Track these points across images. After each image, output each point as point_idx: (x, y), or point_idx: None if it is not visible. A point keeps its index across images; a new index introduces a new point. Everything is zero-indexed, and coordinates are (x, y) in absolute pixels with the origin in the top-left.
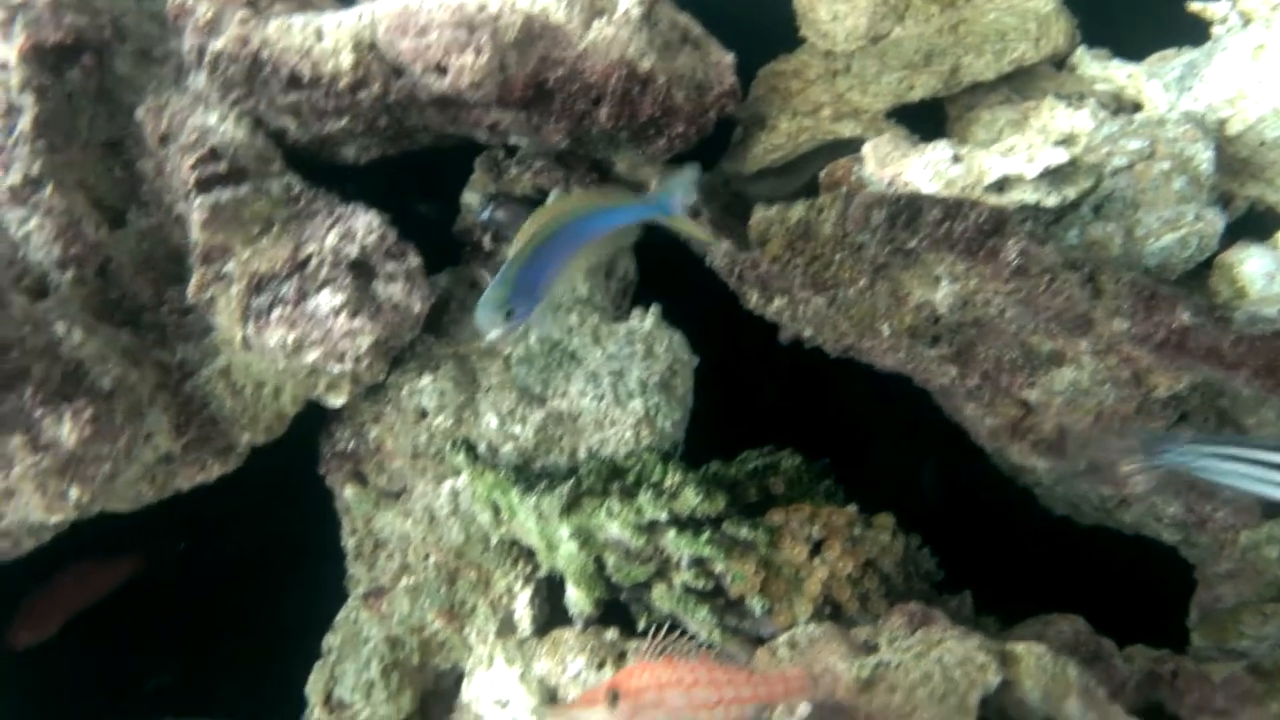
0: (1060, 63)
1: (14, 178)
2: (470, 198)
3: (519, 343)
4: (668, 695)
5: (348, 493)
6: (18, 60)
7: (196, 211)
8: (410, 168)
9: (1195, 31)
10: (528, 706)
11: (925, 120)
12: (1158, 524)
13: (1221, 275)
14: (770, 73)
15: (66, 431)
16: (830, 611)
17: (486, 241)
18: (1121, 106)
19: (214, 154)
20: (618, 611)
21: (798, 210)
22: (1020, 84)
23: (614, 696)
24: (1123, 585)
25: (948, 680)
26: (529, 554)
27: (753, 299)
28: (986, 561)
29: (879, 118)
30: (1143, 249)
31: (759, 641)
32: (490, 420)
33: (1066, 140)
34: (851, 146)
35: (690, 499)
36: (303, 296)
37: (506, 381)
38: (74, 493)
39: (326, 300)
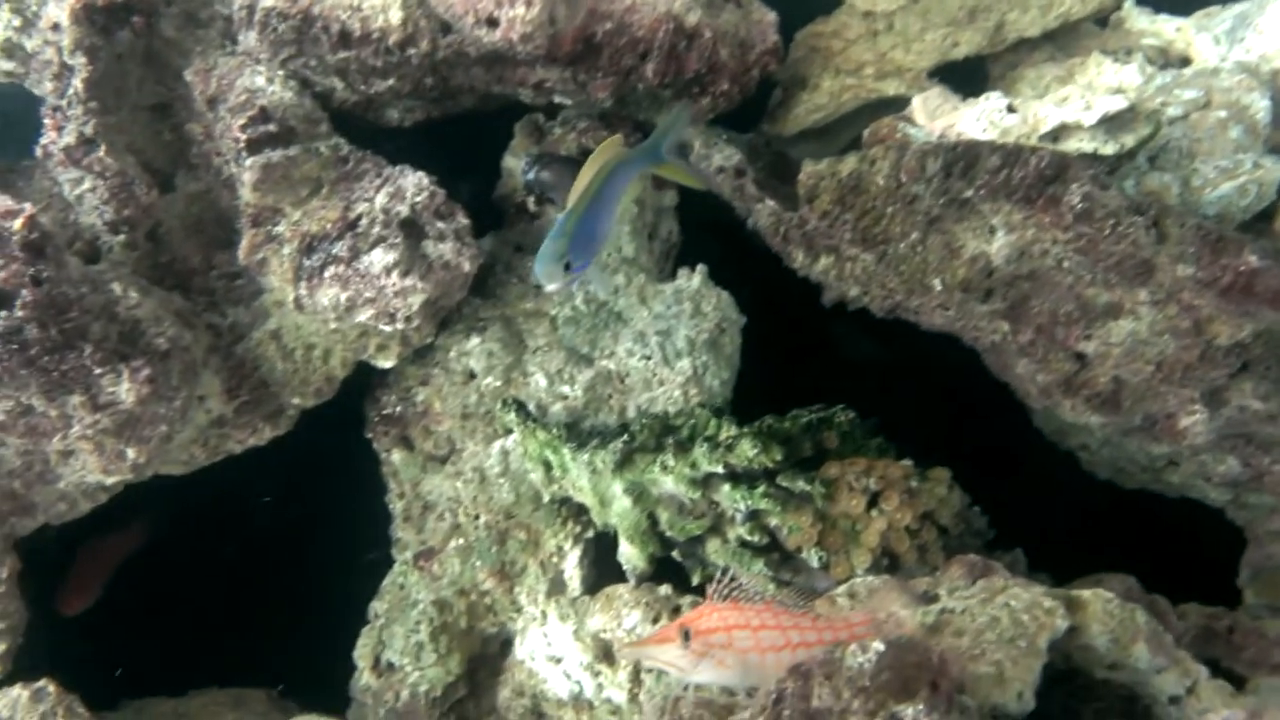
0: (1104, 20)
1: (69, 138)
2: (511, 161)
3: (566, 303)
4: (736, 637)
5: (395, 457)
6: (69, 20)
7: (248, 172)
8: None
9: None
10: (582, 662)
11: (965, 81)
12: (1206, 484)
13: None
14: (810, 34)
15: (125, 390)
16: (887, 564)
17: (531, 203)
18: (1169, 62)
19: (264, 114)
20: (667, 568)
21: (849, 163)
22: (1064, 41)
23: (686, 635)
24: (1161, 551)
25: (1016, 624)
26: (578, 513)
27: (798, 259)
28: (1027, 526)
29: (922, 76)
30: (1200, 199)
31: (815, 595)
32: (539, 380)
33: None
34: (894, 106)
35: (747, 450)
36: (355, 255)
37: (554, 342)
38: (131, 453)
39: (379, 259)
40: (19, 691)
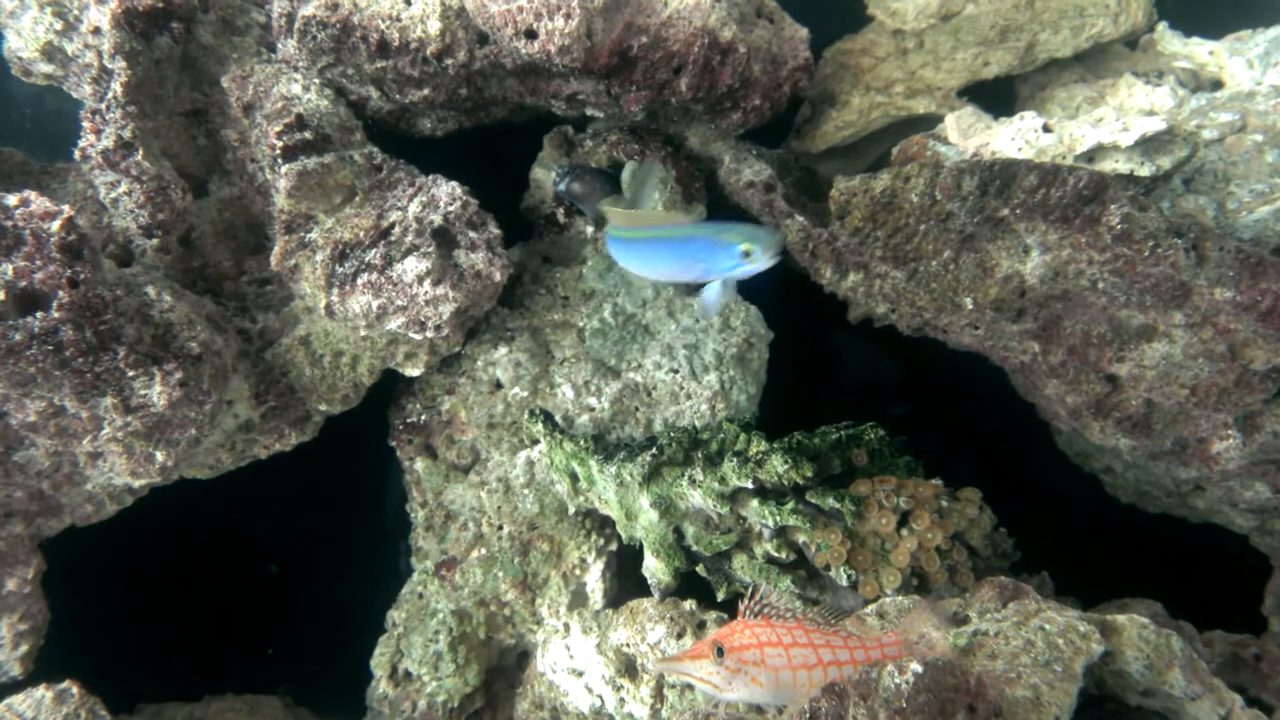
0: (1133, 42)
1: (107, 141)
2: (540, 173)
3: (593, 315)
4: (768, 654)
5: (419, 465)
6: (110, 25)
7: (283, 179)
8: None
9: (1269, 13)
10: (604, 675)
11: (992, 101)
12: (1232, 510)
13: None
14: (838, 51)
15: (157, 393)
16: (916, 584)
17: (561, 214)
18: (1200, 85)
19: (300, 122)
20: (691, 583)
21: (883, 180)
22: (1094, 63)
23: (720, 651)
24: (1184, 576)
25: (1052, 648)
26: (602, 525)
27: (826, 275)
28: (1049, 548)
29: (952, 95)
30: (1235, 222)
31: (844, 614)
32: (566, 391)
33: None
34: (922, 124)
35: (778, 466)
36: (388, 263)
37: (581, 354)
38: (159, 456)
39: (412, 267)
40: (43, 692)
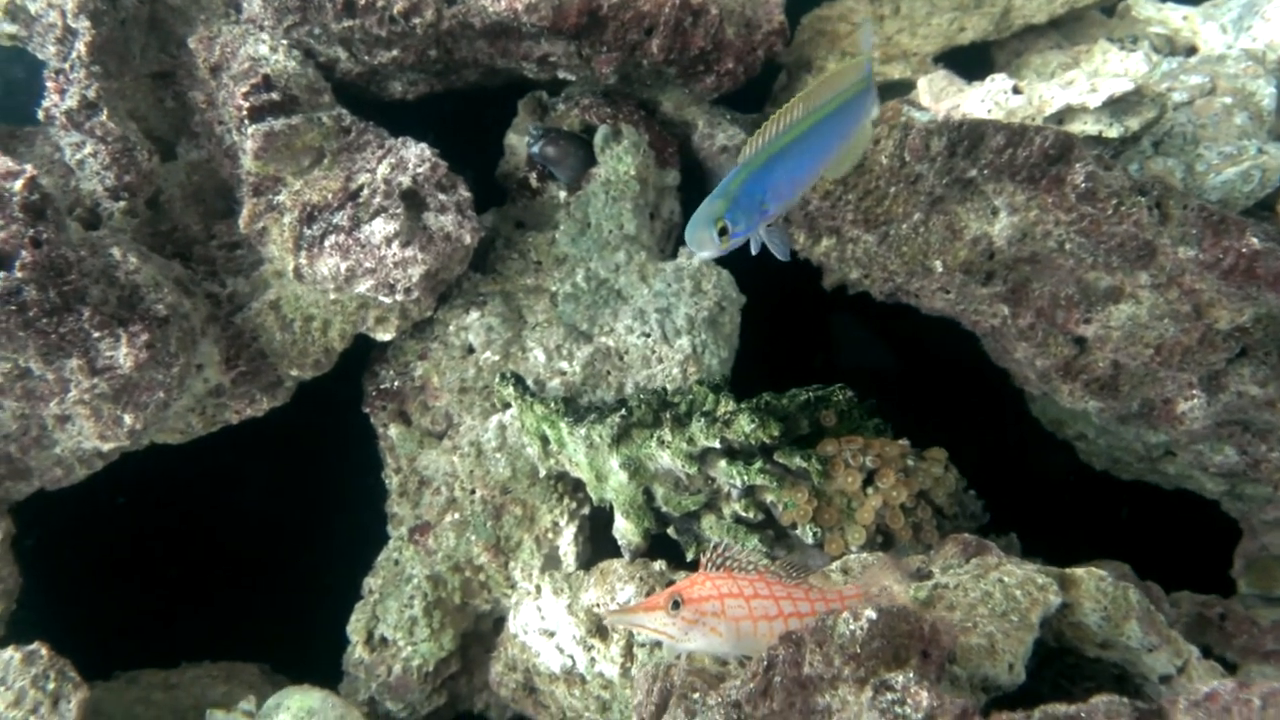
0: (1110, 9)
1: (71, 101)
2: (515, 139)
3: (565, 280)
4: (728, 605)
5: (393, 432)
6: None
7: (250, 140)
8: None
9: None
10: (575, 636)
11: (970, 67)
12: (1203, 474)
13: None
14: (816, 17)
15: (123, 355)
16: (882, 541)
17: (534, 179)
18: (1175, 50)
19: (267, 83)
20: (662, 544)
21: None
22: (1070, 29)
23: (676, 603)
24: (1157, 543)
25: (1009, 599)
26: (574, 488)
27: (800, 240)
28: (1024, 515)
29: (928, 61)
30: (1203, 184)
31: (808, 570)
32: (538, 356)
33: None
34: (899, 90)
35: (744, 426)
36: (356, 225)
37: (553, 318)
38: (128, 419)
39: (380, 229)
40: (11, 654)
